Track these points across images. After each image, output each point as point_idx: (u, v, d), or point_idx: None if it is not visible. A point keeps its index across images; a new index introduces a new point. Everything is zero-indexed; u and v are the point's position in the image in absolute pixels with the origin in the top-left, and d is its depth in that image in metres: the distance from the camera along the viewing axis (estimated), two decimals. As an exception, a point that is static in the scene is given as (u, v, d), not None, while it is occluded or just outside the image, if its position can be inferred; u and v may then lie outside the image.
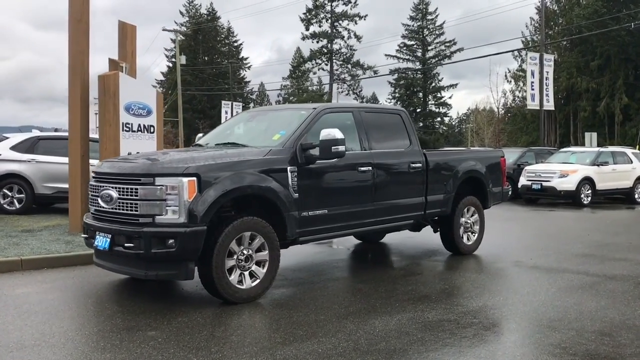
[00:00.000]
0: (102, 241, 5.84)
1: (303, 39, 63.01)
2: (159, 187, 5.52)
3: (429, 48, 67.88)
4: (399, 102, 70.43)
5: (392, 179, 7.50)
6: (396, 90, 70.06)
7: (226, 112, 43.84)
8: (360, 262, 8.30)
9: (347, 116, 7.27)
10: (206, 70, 66.19)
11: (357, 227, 7.09)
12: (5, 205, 11.90)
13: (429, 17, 67.15)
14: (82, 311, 5.54)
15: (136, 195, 5.61)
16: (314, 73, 65.92)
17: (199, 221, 5.51)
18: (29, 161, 11.97)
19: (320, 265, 7.81)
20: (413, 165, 7.70)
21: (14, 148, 12.06)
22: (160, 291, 6.35)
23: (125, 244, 5.62)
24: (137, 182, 5.65)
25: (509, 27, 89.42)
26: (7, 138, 12.49)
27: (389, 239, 9.93)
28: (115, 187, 5.80)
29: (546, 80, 26.44)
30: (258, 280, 5.97)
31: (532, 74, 26.42)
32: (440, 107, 69.17)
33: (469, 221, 8.69)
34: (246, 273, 5.89)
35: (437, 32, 67.16)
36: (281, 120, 7.06)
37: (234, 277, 5.77)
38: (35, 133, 13.38)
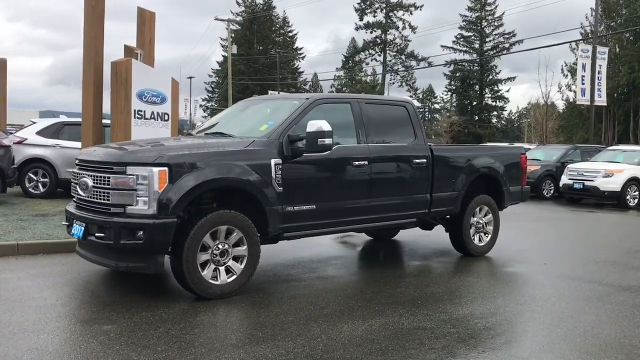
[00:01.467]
0: (77, 230, 5.75)
1: (357, 29, 62.55)
2: (130, 176, 5.36)
3: (487, 40, 66.08)
4: (454, 95, 69.04)
5: (392, 174, 7.12)
6: (452, 83, 68.65)
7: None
8: (361, 260, 7.97)
9: (344, 107, 6.94)
10: (260, 60, 66.47)
11: (350, 224, 6.77)
12: (30, 189, 12.12)
13: (488, 8, 65.24)
14: (51, 300, 5.45)
15: (108, 184, 5.48)
16: (367, 64, 65.26)
17: (169, 213, 5.32)
18: (53, 146, 12.16)
19: (316, 262, 7.53)
20: (416, 160, 7.29)
21: (39, 133, 12.27)
22: (144, 283, 6.20)
23: (96, 234, 5.50)
24: (110, 170, 5.52)
25: (572, 18, 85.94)
26: (34, 123, 12.73)
27: (402, 236, 9.54)
28: (91, 175, 5.69)
29: (599, 74, 25.05)
30: (234, 276, 5.75)
31: (584, 67, 25.05)
32: (497, 101, 67.33)
33: (481, 221, 8.21)
34: (221, 268, 5.68)
35: (495, 24, 65.27)
36: (273, 111, 6.79)
37: (207, 272, 5.57)
38: (62, 118, 13.58)
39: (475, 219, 8.15)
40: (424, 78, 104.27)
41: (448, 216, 8.04)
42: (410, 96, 68.15)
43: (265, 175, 5.89)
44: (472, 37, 66.28)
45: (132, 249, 5.37)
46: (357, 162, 6.64)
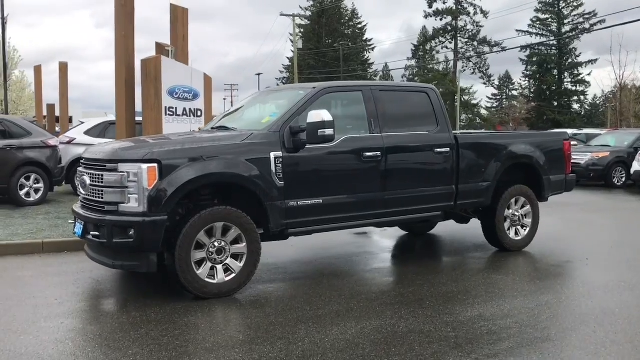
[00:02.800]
0: (78, 228, 5.73)
1: (426, 17, 61.20)
2: (121, 173, 5.26)
3: (565, 22, 62.98)
4: (531, 80, 66.33)
5: (410, 165, 6.70)
6: (528, 68, 66.00)
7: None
8: (384, 257, 7.57)
9: (354, 96, 6.57)
10: (328, 53, 66.30)
11: (363, 218, 6.42)
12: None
13: (566, -12, 62.15)
14: (51, 300, 5.43)
15: (102, 182, 5.41)
16: (437, 52, 63.74)
17: (159, 210, 5.18)
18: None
19: (335, 258, 7.23)
20: (439, 150, 6.83)
21: (87, 133, 12.59)
22: (155, 281, 6.10)
23: (92, 233, 5.45)
24: (103, 168, 5.45)
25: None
26: (83, 123, 13.07)
27: (440, 230, 9.05)
28: (88, 173, 5.65)
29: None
30: (233, 275, 5.55)
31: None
32: (577, 85, 64.14)
33: (517, 214, 7.63)
34: (219, 267, 5.49)
35: (574, 4, 62.07)
36: (279, 102, 6.53)
37: (202, 271, 5.40)
38: (110, 118, 13.87)
39: (510, 211, 7.58)
40: (499, 64, 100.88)
41: (480, 209, 7.53)
42: (484, 83, 66.11)
43: (264, 170, 5.65)
44: (549, 20, 63.39)
45: (124, 248, 5.29)
46: (368, 154, 6.27)
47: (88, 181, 5.61)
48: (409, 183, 6.63)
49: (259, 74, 64.53)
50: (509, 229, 7.59)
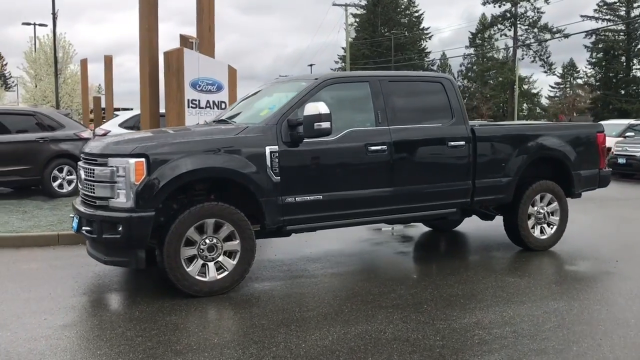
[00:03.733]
0: (75, 222, 5.70)
1: (484, 3, 59.41)
2: (111, 168, 5.18)
3: (635, 5, 59.84)
4: (596, 67, 63.53)
5: (420, 160, 6.35)
6: (593, 55, 63.21)
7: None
8: (396, 255, 7.23)
9: (361, 87, 6.26)
10: (384, 43, 65.51)
11: (368, 215, 6.12)
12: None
13: (635, -31, 58.98)
14: (43, 294, 5.42)
15: (93, 177, 5.35)
16: (496, 40, 61.90)
17: (147, 206, 5.07)
18: (133, 137, 12.55)
19: (345, 256, 6.96)
20: (452, 143, 6.45)
21: (121, 125, 12.74)
22: (153, 276, 6.03)
23: (84, 227, 5.41)
24: (95, 162, 5.39)
25: None
26: (118, 115, 13.25)
27: (466, 227, 8.63)
28: (84, 168, 5.60)
29: None
30: (226, 273, 5.39)
31: None
32: (647, 72, 60.90)
33: (542, 211, 7.15)
34: (210, 264, 5.34)
35: (645, -14, 58.88)
36: (280, 94, 6.29)
37: (192, 268, 5.26)
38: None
39: (535, 208, 7.11)
40: (561, 52, 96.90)
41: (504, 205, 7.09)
42: (545, 72, 63.76)
43: (259, 164, 5.45)
44: (617, 4, 60.42)
45: (113, 243, 5.21)
46: (373, 147, 5.98)
47: (83, 175, 5.57)
48: (419, 178, 6.29)
49: (311, 65, 64.27)
50: (533, 227, 7.12)
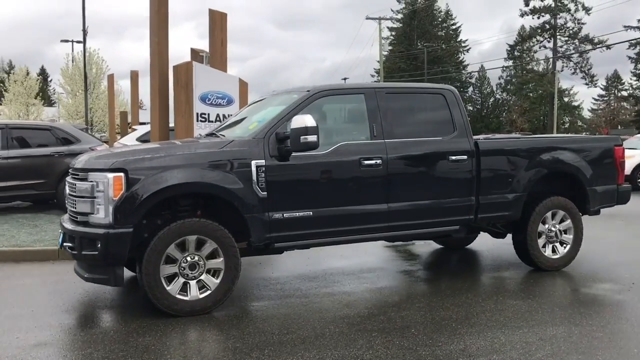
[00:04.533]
0: (60, 238, 5.61)
1: (521, 15, 58.43)
2: (90, 183, 5.08)
3: (681, 15, 58.03)
4: (640, 80, 61.71)
5: (418, 175, 6.07)
6: (638, 66, 61.50)
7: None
8: (399, 274, 6.90)
9: (355, 99, 6.04)
10: (420, 56, 65.00)
11: (363, 232, 5.86)
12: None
13: (680, -23, 57.29)
14: (27, 311, 5.33)
15: (75, 192, 5.25)
16: (535, 52, 60.73)
17: (125, 222, 4.94)
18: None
19: (344, 274, 6.69)
20: (453, 157, 6.15)
21: (139, 139, 12.76)
22: (139, 293, 5.90)
23: (65, 243, 5.32)
24: (77, 177, 5.29)
25: None
26: (136, 130, 13.30)
27: (479, 245, 8.27)
28: (68, 183, 5.52)
29: None
30: (209, 292, 5.20)
31: None
32: (694, 84, 58.88)
33: (553, 229, 6.76)
34: (192, 282, 5.17)
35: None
36: (272, 107, 6.11)
37: (173, 287, 5.09)
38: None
39: (546, 226, 6.73)
40: (605, 64, 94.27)
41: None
42: (586, 84, 62.16)
43: (244, 179, 5.27)
44: (662, 13, 58.64)
45: (92, 260, 5.09)
46: (367, 162, 5.73)
47: (67, 190, 5.49)
48: (417, 194, 6.01)
49: (344, 79, 64.18)
50: (544, 246, 6.74)
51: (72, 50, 30.74)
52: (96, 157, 5.30)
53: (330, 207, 5.64)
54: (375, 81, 68.25)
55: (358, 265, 7.17)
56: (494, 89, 74.27)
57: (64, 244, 5.32)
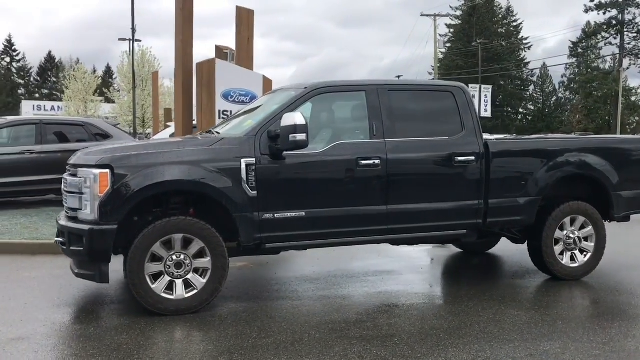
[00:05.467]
0: (56, 233, 5.66)
1: (586, 11, 56.18)
2: (79, 179, 5.09)
3: None
4: None
5: (420, 175, 5.82)
6: None
7: (473, 96, 40.97)
8: (402, 277, 6.62)
9: (355, 97, 5.83)
10: (478, 53, 63.45)
11: (359, 235, 5.65)
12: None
13: None
14: (19, 304, 5.40)
15: (66, 187, 5.29)
16: (600, 49, 58.30)
17: (110, 219, 4.92)
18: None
19: (347, 277, 6.48)
20: (460, 158, 5.84)
21: (171, 136, 12.89)
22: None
23: (57, 238, 5.37)
24: (68, 172, 5.33)
25: None
26: (169, 127, 13.45)
27: (502, 250, 7.88)
28: (63, 178, 5.56)
29: None
30: (195, 291, 5.13)
31: None
32: None
33: (572, 236, 6.35)
34: (178, 281, 5.10)
35: None
36: (269, 104, 5.97)
37: (158, 285, 5.04)
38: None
39: (563, 232, 6.33)
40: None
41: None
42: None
43: (233, 178, 5.16)
44: None
45: (78, 256, 5.11)
46: (364, 162, 5.51)
47: (62, 186, 5.53)
48: (418, 196, 5.75)
49: (398, 77, 63.30)
50: (561, 254, 6.34)
51: (129, 49, 31.73)
52: (86, 153, 5.32)
53: (325, 208, 5.46)
54: (432, 79, 67.14)
55: (365, 268, 6.95)
56: (557, 87, 71.88)
57: (56, 238, 5.37)
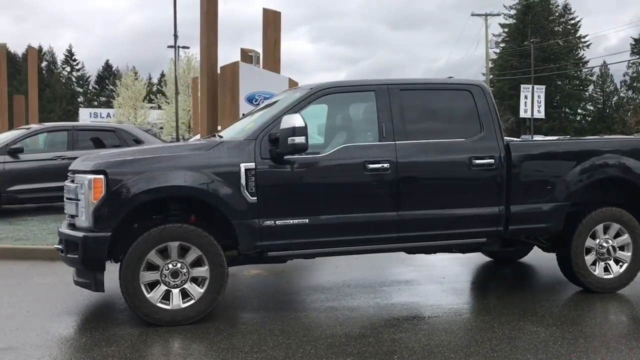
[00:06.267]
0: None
1: (649, 6, 53.53)
2: (75, 185, 4.99)
3: None
4: None
5: (434, 180, 5.47)
6: None
7: (525, 97, 39.82)
8: (420, 288, 6.24)
9: (364, 97, 5.53)
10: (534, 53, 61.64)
11: (367, 243, 5.34)
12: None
13: None
14: (21, 312, 5.34)
15: (65, 193, 5.19)
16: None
17: (104, 226, 4.78)
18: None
19: (361, 286, 6.15)
20: (478, 162, 5.45)
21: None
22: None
23: (56, 245, 5.29)
24: (67, 178, 5.23)
25: None
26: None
27: (534, 259, 7.38)
28: (64, 185, 5.47)
29: None
30: (192, 302, 4.93)
31: None
32: None
33: (606, 244, 5.85)
34: (175, 291, 4.92)
35: None
36: (275, 106, 5.72)
37: (154, 295, 4.87)
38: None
39: (597, 240, 5.84)
40: None
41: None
42: None
43: (231, 183, 4.95)
44: None
45: (74, 264, 5.00)
46: (373, 165, 5.21)
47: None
48: (431, 202, 5.40)
49: (450, 77, 62.13)
50: (593, 264, 5.85)
51: (174, 55, 32.23)
52: (84, 159, 5.21)
53: (330, 214, 5.18)
54: (483, 80, 65.60)
55: (384, 277, 6.62)
56: (618, 86, 69.07)
57: (56, 245, 5.29)
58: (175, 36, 27.81)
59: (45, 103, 76.99)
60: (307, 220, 5.11)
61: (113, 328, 4.87)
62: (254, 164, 4.99)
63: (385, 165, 5.23)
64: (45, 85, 78.35)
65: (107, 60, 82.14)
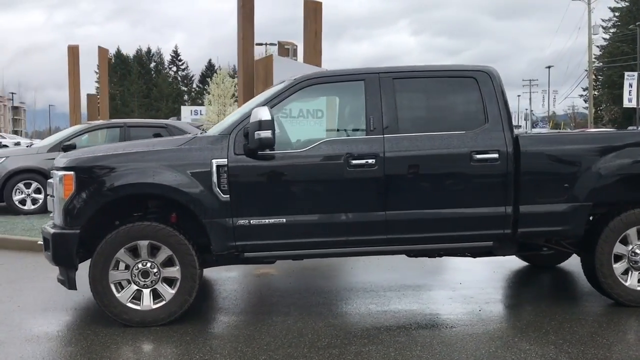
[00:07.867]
0: (45, 236, 5.60)
1: None
2: (51, 181, 4.98)
3: None
4: None
5: (428, 177, 4.95)
6: None
7: (630, 85, 36.58)
8: (429, 294, 5.67)
9: (352, 87, 5.09)
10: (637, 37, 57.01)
11: (353, 244, 4.93)
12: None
13: None
14: (12, 307, 5.41)
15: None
16: None
17: (72, 224, 4.72)
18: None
19: (364, 290, 5.73)
20: (480, 156, 4.88)
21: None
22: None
23: (39, 242, 5.31)
24: (49, 176, 5.24)
25: None
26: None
27: (576, 264, 6.60)
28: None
29: None
30: (163, 302, 4.77)
31: None
32: None
33: (639, 251, 5.08)
34: (146, 291, 4.78)
35: None
36: (257, 98, 5.41)
37: (123, 294, 4.75)
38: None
39: (628, 247, 5.08)
40: None
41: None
42: None
43: (202, 180, 4.72)
44: None
45: (49, 261, 4.98)
46: (357, 161, 4.79)
47: (51, 190, 5.46)
48: (425, 201, 4.90)
49: (549, 67, 58.80)
50: (625, 273, 5.10)
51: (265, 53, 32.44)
52: (63, 156, 5.18)
53: (309, 214, 4.83)
54: (599, 67, 61.49)
55: (392, 281, 6.13)
56: None
57: (39, 241, 5.31)
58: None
59: (153, 102, 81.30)
60: (284, 220, 4.79)
61: (88, 327, 4.79)
62: (226, 160, 4.74)
63: (371, 160, 4.79)
64: (153, 85, 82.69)
65: (210, 60, 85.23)
